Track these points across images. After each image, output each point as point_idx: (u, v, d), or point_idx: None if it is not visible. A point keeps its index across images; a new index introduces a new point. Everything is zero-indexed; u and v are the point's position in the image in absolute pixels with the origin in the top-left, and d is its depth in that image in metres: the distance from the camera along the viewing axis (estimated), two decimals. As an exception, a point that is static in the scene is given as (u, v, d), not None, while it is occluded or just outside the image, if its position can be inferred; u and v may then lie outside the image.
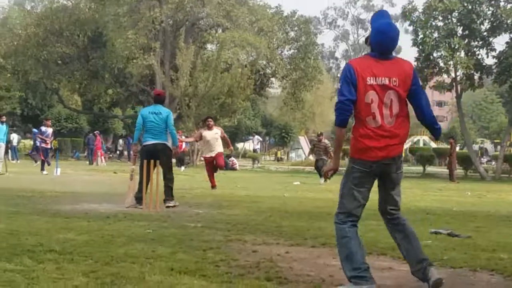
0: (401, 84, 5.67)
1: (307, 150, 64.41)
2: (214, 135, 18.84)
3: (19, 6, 58.81)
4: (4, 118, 26.03)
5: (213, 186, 18.94)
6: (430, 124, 5.97)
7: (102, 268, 6.28)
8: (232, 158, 40.17)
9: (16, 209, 11.65)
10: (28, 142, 72.18)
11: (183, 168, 35.99)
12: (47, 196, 15.11)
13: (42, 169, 26.81)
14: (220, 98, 42.24)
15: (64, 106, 62.41)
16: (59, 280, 5.69)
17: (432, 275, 5.63)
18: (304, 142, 67.97)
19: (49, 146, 28.03)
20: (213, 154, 18.80)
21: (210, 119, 19.49)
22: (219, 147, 18.93)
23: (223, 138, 19.10)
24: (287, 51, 54.00)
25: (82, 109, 65.01)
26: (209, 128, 18.98)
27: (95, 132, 45.37)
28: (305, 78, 51.73)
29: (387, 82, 5.62)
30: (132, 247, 7.60)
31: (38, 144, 26.58)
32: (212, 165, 19.07)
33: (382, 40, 5.73)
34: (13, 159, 41.14)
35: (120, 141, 60.78)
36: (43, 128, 28.26)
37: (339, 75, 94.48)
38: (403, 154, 37.89)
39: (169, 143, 13.63)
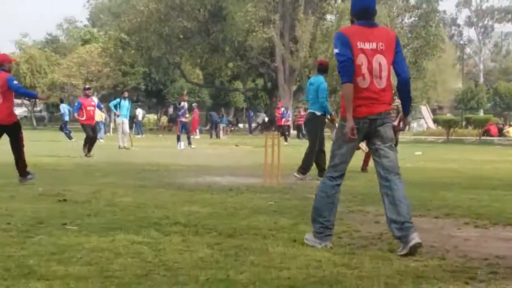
0: (387, 49, 6.08)
1: (429, 120, 63.31)
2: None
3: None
4: (126, 94, 26.73)
5: (364, 168, 15.57)
6: (405, 91, 6.31)
7: (225, 240, 6.39)
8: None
9: (143, 183, 11.98)
10: (152, 117, 74.06)
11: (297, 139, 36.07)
12: (171, 169, 15.45)
13: (187, 143, 27.20)
14: (340, 69, 41.87)
15: (186, 81, 63.46)
16: (184, 252, 5.82)
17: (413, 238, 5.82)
18: (426, 112, 66.81)
19: (186, 120, 28.45)
20: None
21: None
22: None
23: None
24: (408, 19, 53.05)
25: (203, 83, 65.97)
26: None
27: (192, 104, 45.71)
28: (426, 47, 50.70)
29: (374, 46, 6.03)
30: (255, 219, 7.70)
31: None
32: None
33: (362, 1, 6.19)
34: (138, 134, 42.18)
35: (262, 114, 60.24)
36: (181, 103, 28.76)
37: (461, 42, 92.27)
38: None
39: (319, 112, 13.43)
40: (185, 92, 33.35)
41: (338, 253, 5.88)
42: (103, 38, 64.25)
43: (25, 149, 11.81)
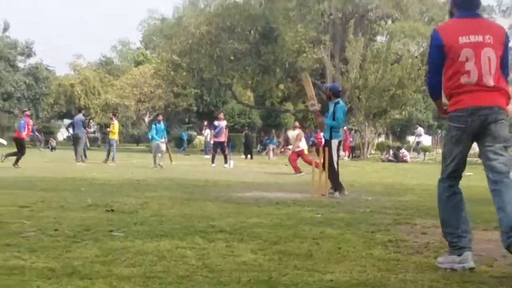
0: (495, 42, 5.43)
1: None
2: None
3: (192, 5, 60.42)
4: (160, 117, 27.09)
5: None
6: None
7: (270, 247, 6.37)
8: (403, 150, 39.63)
9: (191, 196, 12.03)
10: (203, 139, 74.41)
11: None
12: (220, 185, 15.49)
13: (212, 161, 27.46)
14: (390, 89, 41.61)
15: (237, 102, 63.71)
16: (228, 256, 5.83)
17: None
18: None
19: (222, 140, 28.41)
20: None
21: None
22: None
23: None
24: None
25: (254, 104, 66.12)
26: None
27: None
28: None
29: (481, 39, 5.40)
30: (301, 229, 7.67)
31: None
32: None
33: None
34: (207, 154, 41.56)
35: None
36: (216, 123, 28.84)
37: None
38: None
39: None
40: (221, 113, 32.87)
41: (383, 259, 5.83)
42: (156, 60, 64.93)
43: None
